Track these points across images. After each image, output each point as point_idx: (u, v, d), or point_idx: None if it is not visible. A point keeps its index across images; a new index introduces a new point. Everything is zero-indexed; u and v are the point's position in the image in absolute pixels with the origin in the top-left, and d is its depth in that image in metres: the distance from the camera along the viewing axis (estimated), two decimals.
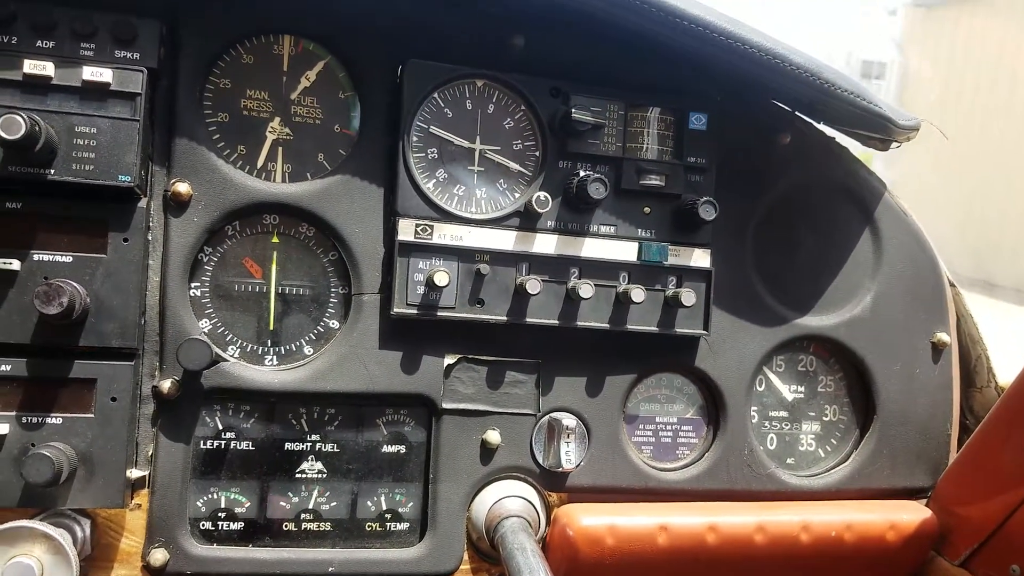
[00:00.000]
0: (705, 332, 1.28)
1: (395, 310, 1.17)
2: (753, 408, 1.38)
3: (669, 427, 1.35)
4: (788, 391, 1.41)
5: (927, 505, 1.41)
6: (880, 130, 1.29)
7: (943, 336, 1.42)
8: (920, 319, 1.42)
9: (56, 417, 1.04)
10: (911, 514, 1.36)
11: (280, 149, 1.18)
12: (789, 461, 1.41)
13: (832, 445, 1.43)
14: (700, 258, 1.29)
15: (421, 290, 1.18)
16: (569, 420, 1.25)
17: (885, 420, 1.40)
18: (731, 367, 1.33)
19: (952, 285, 1.46)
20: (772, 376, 1.40)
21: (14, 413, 1.03)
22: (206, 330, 1.15)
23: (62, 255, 1.04)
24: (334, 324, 1.21)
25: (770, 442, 1.40)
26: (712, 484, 1.32)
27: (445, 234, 1.19)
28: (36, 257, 1.03)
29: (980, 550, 1.32)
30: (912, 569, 1.38)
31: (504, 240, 1.22)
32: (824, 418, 1.43)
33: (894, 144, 1.37)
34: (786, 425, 1.41)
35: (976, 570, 1.32)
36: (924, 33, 16.48)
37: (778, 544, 1.28)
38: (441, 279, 1.15)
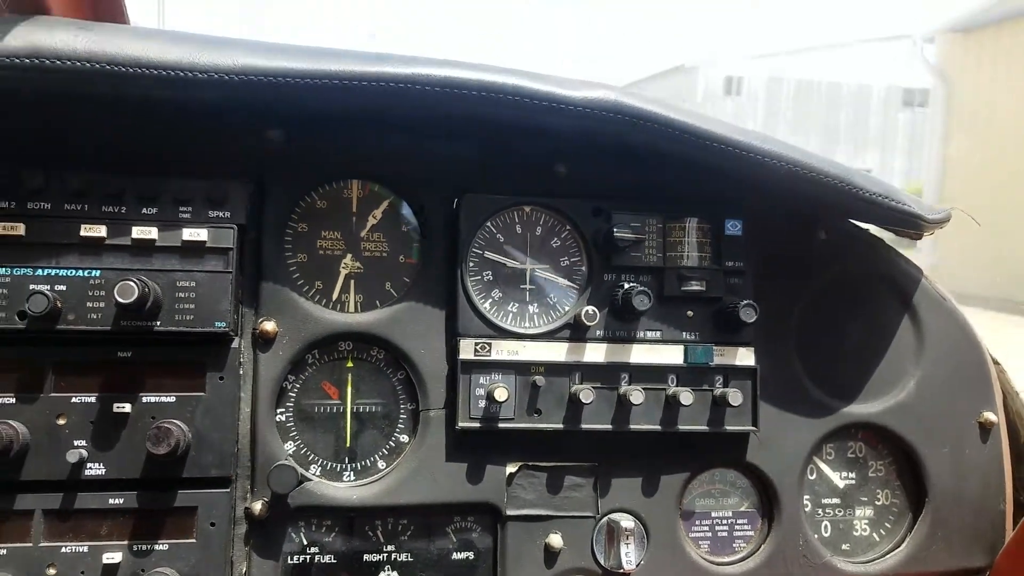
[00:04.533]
0: (754, 428, 1.35)
1: (460, 424, 1.26)
2: (806, 497, 1.43)
3: (725, 521, 1.41)
4: (839, 478, 1.45)
5: None
6: (911, 226, 1.36)
7: (990, 415, 1.46)
8: (966, 400, 1.46)
9: (163, 544, 1.15)
10: None
11: (352, 282, 1.31)
12: (844, 547, 1.45)
13: (887, 529, 1.46)
14: (745, 357, 1.36)
15: (482, 404, 1.27)
16: (627, 522, 1.31)
17: (937, 502, 1.43)
18: (781, 459, 1.39)
19: (996, 363, 1.50)
20: (822, 465, 1.45)
21: (126, 542, 1.15)
22: (291, 452, 1.26)
23: (167, 395, 1.16)
24: (404, 439, 1.30)
25: (824, 529, 1.44)
26: (769, 575, 1.37)
27: (502, 350, 1.29)
28: (144, 399, 1.16)
29: None
30: None
31: (557, 352, 1.31)
32: (877, 503, 1.47)
33: (927, 233, 1.43)
34: (839, 512, 1.45)
35: None
36: (964, 58, 16.39)
37: None
38: (501, 395, 1.25)
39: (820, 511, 1.45)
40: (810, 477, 1.44)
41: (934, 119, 17.96)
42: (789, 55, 31.77)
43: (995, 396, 1.48)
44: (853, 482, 1.46)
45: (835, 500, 1.45)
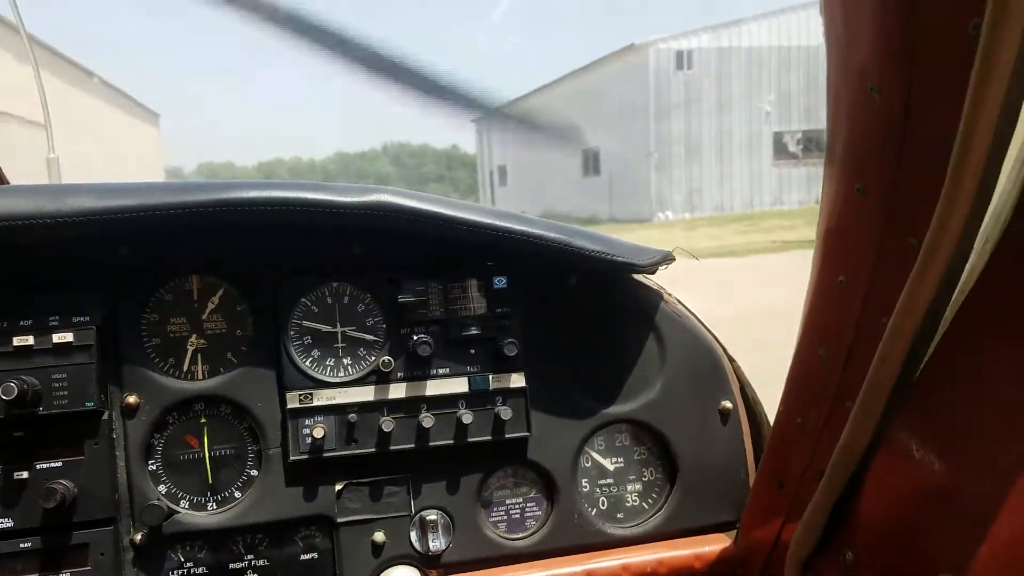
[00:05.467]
0: (528, 433, 1.74)
1: (291, 458, 1.64)
2: (584, 480, 1.83)
3: (517, 506, 1.80)
4: (610, 463, 1.85)
5: (736, 535, 1.83)
6: (630, 271, 1.76)
7: (727, 403, 1.86)
8: (705, 393, 1.86)
9: (65, 573, 1.53)
10: (713, 545, 1.79)
11: (199, 355, 1.67)
12: (619, 516, 1.84)
13: (653, 499, 1.86)
14: (517, 380, 1.74)
15: (309, 440, 1.65)
16: (432, 515, 1.70)
17: (685, 474, 1.83)
18: (556, 454, 1.79)
19: (732, 360, 1.91)
20: (595, 454, 1.84)
21: (37, 575, 1.52)
22: (163, 493, 1.63)
23: (55, 462, 1.54)
24: (254, 472, 1.68)
25: (602, 504, 1.84)
26: (553, 544, 1.77)
27: (322, 397, 1.67)
28: (38, 466, 1.53)
29: (767, 565, 1.74)
30: None
31: (366, 394, 1.69)
32: (643, 479, 1.87)
33: (661, 268, 1.82)
34: (613, 488, 1.85)
35: None
36: None
37: None
38: (318, 432, 1.63)
39: (598, 490, 1.84)
40: (586, 465, 1.84)
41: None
42: (738, 24, 32.22)
43: (732, 387, 1.88)
44: (622, 464, 1.86)
45: (609, 480, 1.85)
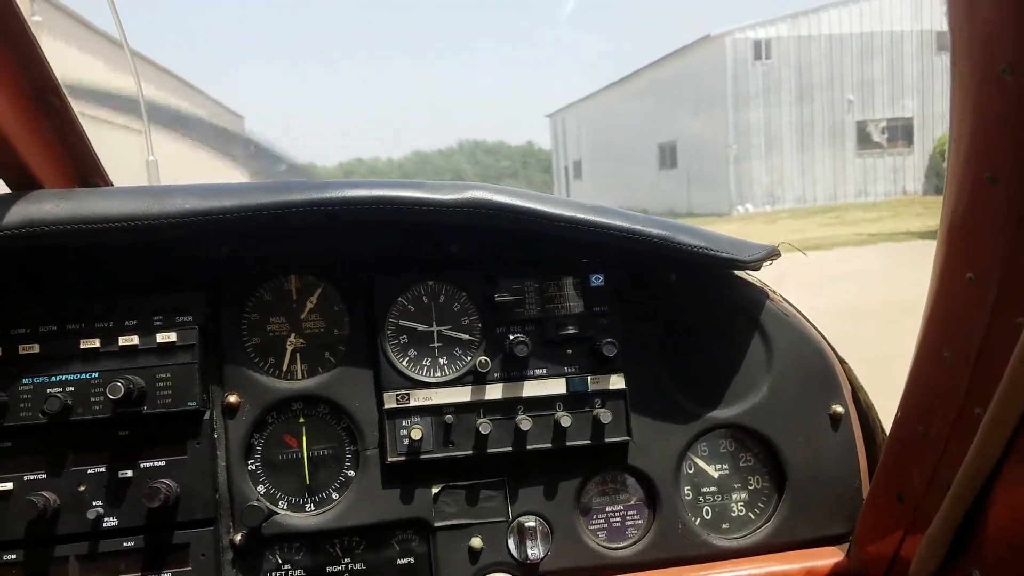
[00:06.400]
0: (628, 438, 1.67)
1: (388, 460, 1.62)
2: (687, 487, 1.75)
3: (618, 514, 1.73)
4: (714, 470, 1.76)
5: (850, 548, 1.72)
6: (733, 267, 1.67)
7: (838, 408, 1.75)
8: (814, 397, 1.75)
9: (167, 573, 1.54)
10: (825, 559, 1.68)
11: (298, 355, 1.67)
12: (724, 526, 1.76)
13: (760, 508, 1.77)
14: (616, 382, 1.68)
15: (406, 442, 1.62)
16: (531, 522, 1.65)
17: (795, 483, 1.73)
18: (658, 460, 1.71)
19: (843, 362, 1.79)
20: (698, 460, 1.76)
21: (139, 574, 1.54)
22: (262, 493, 1.63)
23: (158, 461, 1.55)
24: (351, 473, 1.66)
25: (706, 513, 1.76)
26: (656, 555, 1.69)
27: (419, 397, 1.64)
28: (142, 465, 1.55)
29: None
30: None
31: (463, 394, 1.65)
32: (750, 487, 1.77)
33: (766, 264, 1.73)
34: (718, 497, 1.76)
35: None
36: None
37: None
38: (416, 434, 1.60)
39: (701, 498, 1.76)
40: (689, 471, 1.76)
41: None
42: (817, 12, 31.22)
43: (843, 390, 1.77)
44: (727, 472, 1.77)
45: (713, 488, 1.76)
